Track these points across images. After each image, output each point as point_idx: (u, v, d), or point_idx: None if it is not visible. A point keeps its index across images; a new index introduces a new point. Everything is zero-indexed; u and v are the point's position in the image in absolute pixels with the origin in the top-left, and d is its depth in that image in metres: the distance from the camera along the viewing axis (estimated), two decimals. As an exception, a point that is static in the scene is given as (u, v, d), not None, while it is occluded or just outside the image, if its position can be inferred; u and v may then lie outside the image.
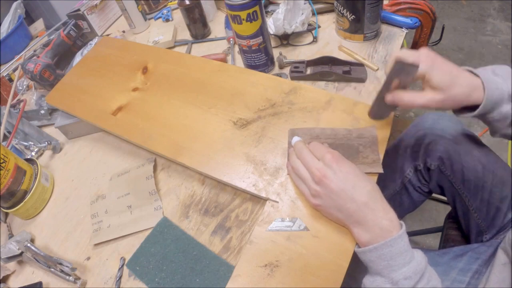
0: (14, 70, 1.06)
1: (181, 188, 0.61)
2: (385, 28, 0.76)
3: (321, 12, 0.85)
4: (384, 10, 0.75)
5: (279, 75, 0.73)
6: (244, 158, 0.55)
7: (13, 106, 0.85)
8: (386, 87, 0.47)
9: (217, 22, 0.98)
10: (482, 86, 0.45)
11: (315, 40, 0.79)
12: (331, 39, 0.79)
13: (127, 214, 0.59)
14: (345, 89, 0.68)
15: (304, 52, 0.78)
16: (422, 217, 1.30)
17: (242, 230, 0.53)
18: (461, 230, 0.72)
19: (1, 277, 0.58)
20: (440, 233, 0.79)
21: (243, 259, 0.47)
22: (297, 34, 0.80)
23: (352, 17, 0.71)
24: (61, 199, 0.68)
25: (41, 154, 0.78)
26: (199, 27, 0.91)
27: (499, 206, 0.61)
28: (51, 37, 0.95)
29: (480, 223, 0.64)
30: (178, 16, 1.04)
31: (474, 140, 0.66)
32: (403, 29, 0.75)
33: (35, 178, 0.67)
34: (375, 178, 0.49)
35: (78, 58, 0.85)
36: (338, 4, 0.71)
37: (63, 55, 0.88)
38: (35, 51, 1.03)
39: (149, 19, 1.08)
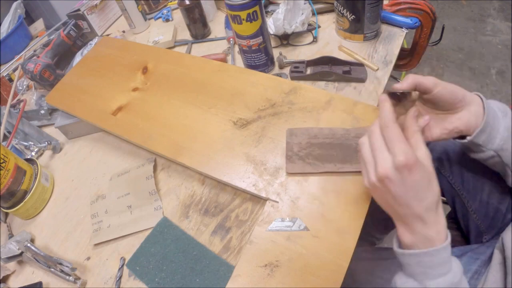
0: (14, 70, 1.06)
1: (181, 188, 0.61)
2: (385, 28, 0.76)
3: (321, 12, 0.85)
4: (384, 10, 0.75)
5: (279, 75, 0.73)
6: (244, 158, 0.55)
7: (13, 106, 0.85)
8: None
9: (217, 22, 0.98)
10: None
11: (315, 40, 0.79)
12: (331, 39, 0.79)
13: (127, 214, 0.59)
14: (345, 89, 0.68)
15: (304, 52, 0.78)
16: (422, 217, 1.29)
17: (242, 230, 0.53)
18: (460, 230, 0.72)
19: (1, 277, 0.58)
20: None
21: (243, 259, 0.47)
22: (297, 34, 0.80)
23: (352, 17, 0.71)
24: (61, 199, 0.68)
25: (41, 154, 0.78)
26: (199, 27, 0.91)
27: (499, 207, 0.61)
28: (51, 37, 0.95)
29: (479, 224, 0.64)
30: (178, 16, 1.04)
31: None
32: (403, 29, 0.75)
33: (35, 178, 0.67)
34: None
35: (78, 58, 0.85)
36: (338, 4, 0.71)
37: (63, 55, 0.88)
38: (35, 51, 1.03)
39: (149, 19, 1.08)
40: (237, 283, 0.45)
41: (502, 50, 1.79)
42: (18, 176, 0.64)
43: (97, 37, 0.91)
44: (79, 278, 0.54)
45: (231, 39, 0.86)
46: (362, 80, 0.67)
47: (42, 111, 0.82)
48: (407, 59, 0.95)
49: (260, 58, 0.72)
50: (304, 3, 0.76)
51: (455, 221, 0.74)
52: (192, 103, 0.65)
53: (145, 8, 1.09)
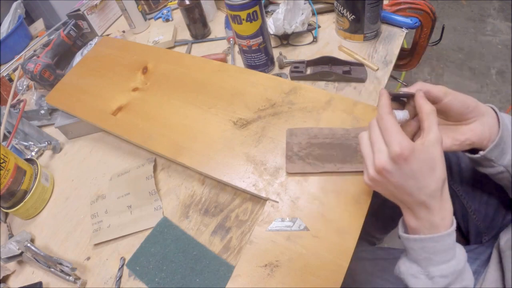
0: (14, 70, 1.06)
1: (181, 188, 0.61)
2: (385, 28, 0.76)
3: (321, 12, 0.85)
4: (384, 10, 0.75)
5: (279, 75, 0.73)
6: (244, 158, 0.55)
7: (13, 106, 0.85)
8: None
9: (217, 22, 0.98)
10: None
11: (315, 40, 0.79)
12: (331, 39, 0.79)
13: (127, 214, 0.59)
14: (345, 89, 0.68)
15: (304, 52, 0.78)
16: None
17: (242, 230, 0.53)
18: (460, 230, 0.72)
19: (1, 277, 0.58)
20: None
21: (243, 259, 0.47)
22: (297, 34, 0.80)
23: (352, 17, 0.71)
24: (61, 199, 0.68)
25: (41, 154, 0.78)
26: (199, 27, 0.91)
27: (498, 208, 0.61)
28: (51, 37, 0.95)
29: (479, 224, 0.64)
30: (178, 16, 1.04)
31: None
32: (403, 29, 0.75)
33: (35, 178, 0.67)
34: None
35: (78, 58, 0.85)
36: (338, 4, 0.71)
37: (63, 55, 0.88)
38: (35, 51, 1.03)
39: (149, 19, 1.08)
40: (237, 283, 0.45)
41: (502, 50, 1.79)
42: (18, 176, 0.64)
43: (97, 37, 0.91)
44: (79, 278, 0.54)
45: (231, 39, 0.86)
46: (362, 80, 0.67)
47: (42, 111, 0.82)
48: (407, 59, 0.95)
49: (260, 58, 0.72)
50: (304, 3, 0.76)
51: (454, 221, 0.74)
52: (192, 103, 0.65)
53: (145, 8, 1.09)
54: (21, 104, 0.82)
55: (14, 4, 1.23)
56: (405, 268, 0.42)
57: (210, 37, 0.94)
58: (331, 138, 0.53)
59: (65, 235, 0.62)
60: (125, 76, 0.74)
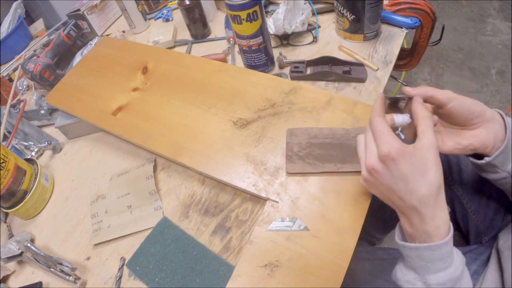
0: (14, 70, 1.06)
1: (181, 188, 0.61)
2: (385, 28, 0.76)
3: (321, 12, 0.85)
4: (384, 10, 0.75)
5: (279, 75, 0.73)
6: (244, 158, 0.55)
7: (13, 106, 0.85)
8: None
9: (217, 22, 0.98)
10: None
11: (315, 40, 0.79)
12: (331, 39, 0.79)
13: (127, 214, 0.59)
14: (345, 89, 0.68)
15: (304, 52, 0.78)
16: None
17: (242, 230, 0.53)
18: (460, 231, 0.72)
19: (1, 277, 0.58)
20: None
21: (243, 259, 0.47)
22: (297, 34, 0.80)
23: (352, 17, 0.71)
24: (61, 199, 0.68)
25: (41, 154, 0.78)
26: (199, 27, 0.91)
27: (498, 208, 0.61)
28: (51, 37, 0.95)
29: (479, 225, 0.64)
30: (178, 16, 1.04)
31: None
32: (403, 29, 0.75)
33: (35, 178, 0.67)
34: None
35: (78, 58, 0.85)
36: (338, 4, 0.71)
37: (63, 55, 0.88)
38: (35, 51, 1.03)
39: (149, 19, 1.08)
40: (237, 283, 0.45)
41: (502, 50, 1.79)
42: (18, 176, 0.64)
43: (97, 37, 0.91)
44: (79, 278, 0.54)
45: (231, 39, 0.86)
46: (362, 80, 0.67)
47: (42, 111, 0.82)
48: (407, 59, 0.95)
49: (260, 58, 0.72)
50: (304, 3, 0.76)
51: (454, 222, 0.73)
52: (192, 103, 0.65)
53: (145, 8, 1.09)
54: (21, 104, 0.82)
55: (14, 4, 1.23)
56: (401, 274, 0.42)
57: (210, 37, 0.94)
58: (331, 138, 0.53)
59: (65, 235, 0.62)
60: (125, 76, 0.74)
